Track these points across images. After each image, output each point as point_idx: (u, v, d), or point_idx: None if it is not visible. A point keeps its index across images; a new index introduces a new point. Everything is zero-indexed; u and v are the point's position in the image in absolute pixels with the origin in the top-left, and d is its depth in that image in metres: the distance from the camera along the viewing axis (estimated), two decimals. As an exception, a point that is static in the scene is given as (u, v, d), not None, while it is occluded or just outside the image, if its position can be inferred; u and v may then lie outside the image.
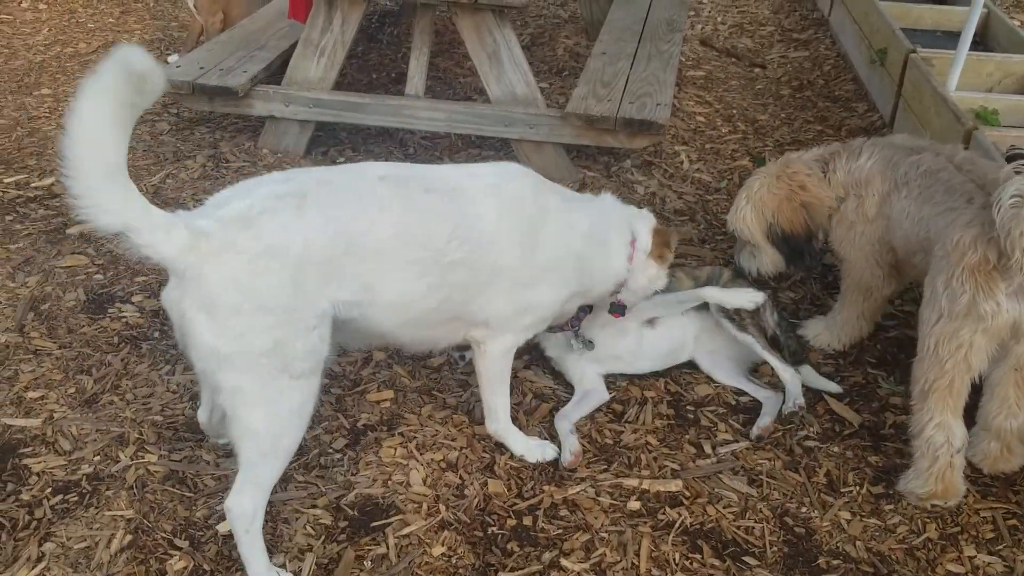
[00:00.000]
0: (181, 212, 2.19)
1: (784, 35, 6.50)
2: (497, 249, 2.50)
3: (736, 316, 3.09)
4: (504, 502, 2.65)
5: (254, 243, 2.16)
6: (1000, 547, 2.56)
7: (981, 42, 5.31)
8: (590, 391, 3.04)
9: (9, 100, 5.11)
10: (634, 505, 2.65)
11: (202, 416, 2.70)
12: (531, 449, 2.80)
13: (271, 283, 2.17)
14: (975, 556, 2.53)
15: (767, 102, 5.40)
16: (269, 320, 2.17)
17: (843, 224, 3.15)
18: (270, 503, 2.58)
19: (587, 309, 2.98)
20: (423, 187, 2.46)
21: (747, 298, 3.04)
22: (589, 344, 3.03)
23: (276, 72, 4.64)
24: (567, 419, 2.91)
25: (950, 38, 5.59)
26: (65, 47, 5.90)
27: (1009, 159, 3.66)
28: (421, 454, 2.80)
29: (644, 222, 2.87)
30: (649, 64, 4.64)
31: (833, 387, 3.11)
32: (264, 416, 2.23)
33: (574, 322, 2.97)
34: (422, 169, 2.57)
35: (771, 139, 4.96)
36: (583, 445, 2.84)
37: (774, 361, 3.05)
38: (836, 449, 2.87)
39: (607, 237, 2.77)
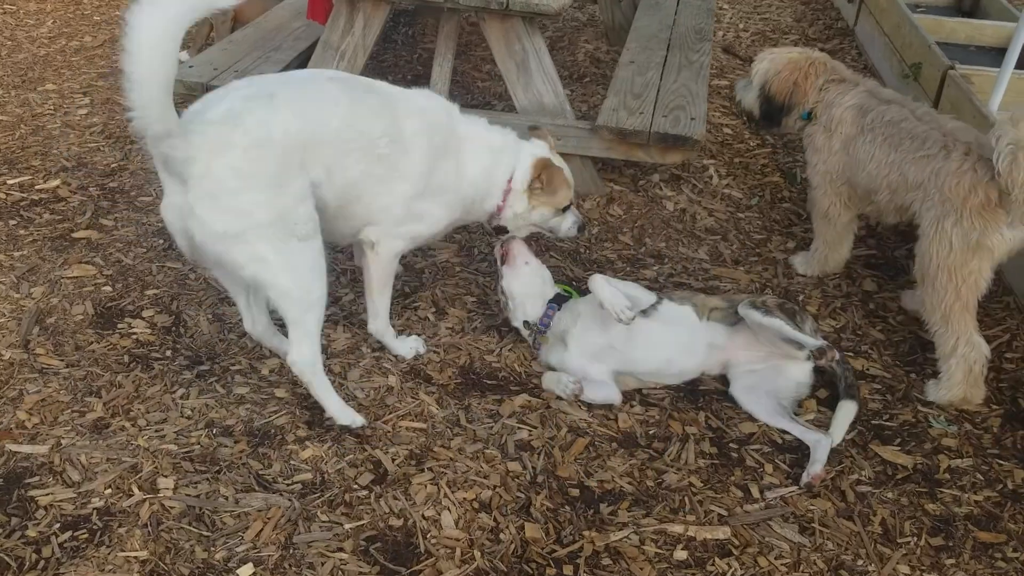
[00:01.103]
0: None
1: (808, 44, 6.32)
2: (409, 158, 2.90)
3: (761, 304, 2.99)
4: (542, 548, 2.49)
5: (244, 137, 2.54)
6: (1069, 607, 2.41)
7: (1018, 59, 5.16)
8: (597, 384, 3.01)
9: (12, 96, 4.92)
10: (681, 555, 2.49)
11: (247, 326, 3.06)
12: (408, 348, 3.19)
13: (265, 167, 2.57)
14: (1043, 617, 2.38)
15: (794, 115, 5.23)
16: (268, 195, 2.58)
17: (812, 147, 3.63)
18: (294, 546, 2.43)
19: (554, 305, 3.17)
20: (365, 88, 2.90)
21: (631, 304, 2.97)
22: (538, 329, 3.17)
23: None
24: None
25: (983, 53, 5.46)
26: (70, 40, 5.71)
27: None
28: (453, 492, 2.64)
29: (530, 154, 3.16)
30: (680, 74, 4.48)
31: (837, 437, 2.88)
32: (291, 277, 2.67)
33: (543, 320, 3.15)
34: (370, 82, 2.98)
35: (802, 154, 4.79)
36: (624, 485, 2.69)
37: (805, 339, 2.91)
38: (890, 495, 2.72)
39: (493, 172, 3.12)
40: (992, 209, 2.90)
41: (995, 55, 5.44)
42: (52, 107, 4.83)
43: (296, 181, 2.64)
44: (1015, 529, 2.62)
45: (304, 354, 2.76)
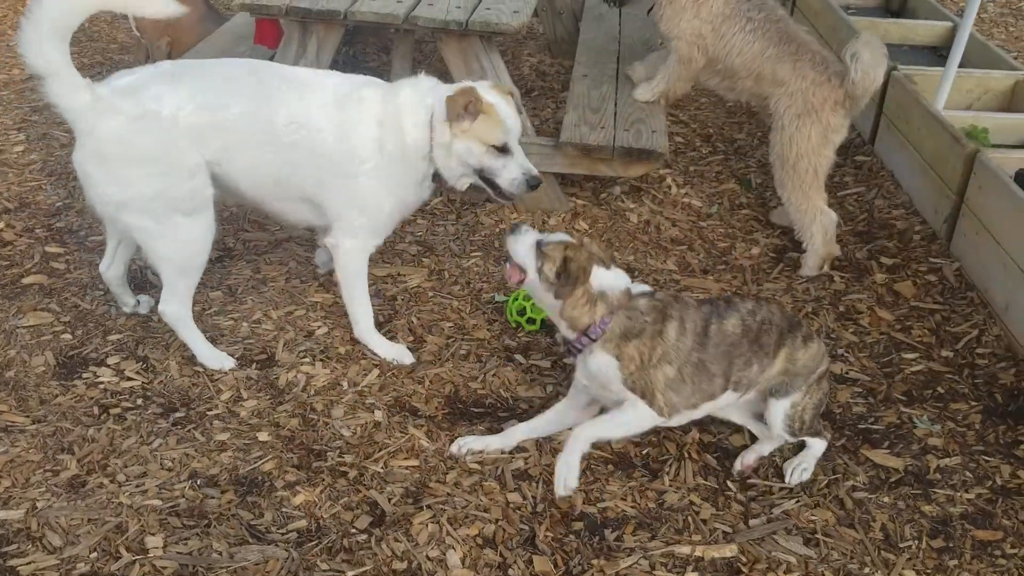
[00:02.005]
0: (88, 80, 2.74)
1: (747, 49, 6.42)
2: (321, 137, 2.94)
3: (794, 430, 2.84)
4: (553, 580, 2.45)
5: (134, 107, 2.74)
6: (1070, 600, 2.46)
7: (946, 57, 5.31)
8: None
9: (-59, 135, 4.68)
10: (692, 576, 2.48)
11: (103, 267, 3.27)
12: (391, 352, 3.20)
13: (146, 140, 2.76)
14: (1048, 611, 2.43)
15: (741, 120, 5.30)
16: (149, 169, 2.79)
17: (674, 6, 3.96)
18: (300, 599, 2.34)
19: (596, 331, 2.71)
20: (279, 79, 2.99)
21: None
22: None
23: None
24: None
25: (916, 53, 5.61)
26: (-3, 73, 5.47)
27: (1019, 181, 3.62)
28: (455, 529, 2.58)
29: (441, 93, 3.01)
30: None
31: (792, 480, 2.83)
32: (170, 246, 2.92)
33: (579, 343, 2.71)
34: (290, 69, 3.11)
35: (753, 159, 4.86)
36: (626, 508, 2.66)
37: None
38: (887, 499, 2.75)
39: (401, 122, 3.00)
40: (842, 106, 3.69)
41: (928, 54, 5.61)
42: (-15, 145, 4.61)
43: (184, 158, 2.82)
44: (1010, 525, 2.67)
45: (172, 307, 3.04)
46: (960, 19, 4.62)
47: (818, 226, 3.76)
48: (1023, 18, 7.40)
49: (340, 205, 3.06)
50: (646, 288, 2.78)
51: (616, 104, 4.30)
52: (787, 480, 2.80)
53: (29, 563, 2.42)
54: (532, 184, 3.09)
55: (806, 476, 2.81)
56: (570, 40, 5.71)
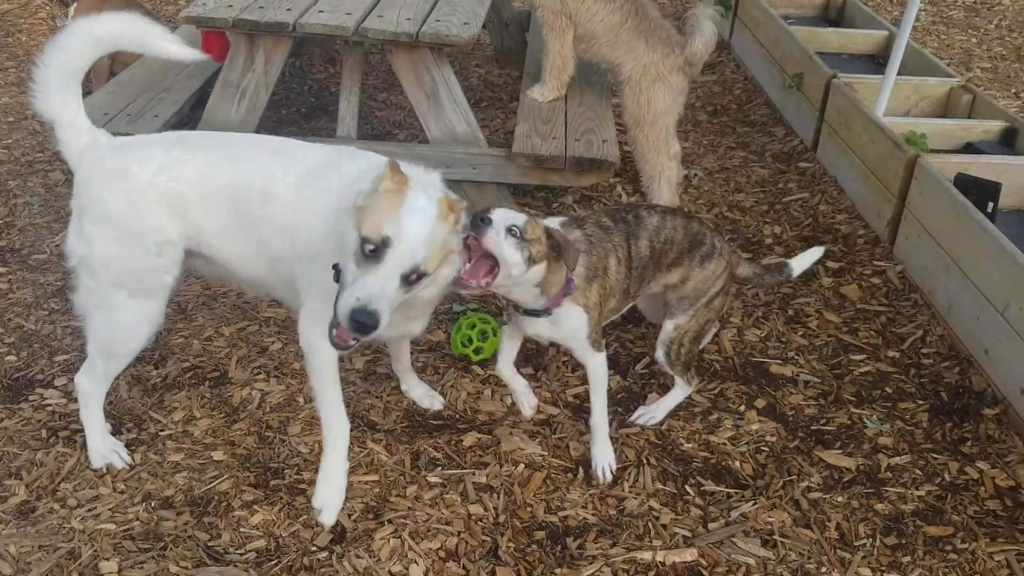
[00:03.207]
0: (100, 129, 2.59)
1: (690, 58, 6.52)
2: (279, 211, 2.48)
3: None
4: (517, 591, 2.45)
5: (115, 164, 2.50)
6: (1018, 591, 2.54)
7: (884, 64, 5.46)
8: None
9: None
10: (654, 581, 2.50)
11: None
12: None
13: (114, 200, 2.49)
14: (997, 603, 2.50)
15: (687, 129, 5.38)
16: (109, 233, 2.50)
17: None
18: (262, 620, 2.30)
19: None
20: (273, 150, 2.60)
21: None
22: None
23: (188, 114, 4.29)
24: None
25: (854, 61, 5.76)
26: (-72, 89, 5.31)
27: (957, 184, 3.72)
28: (417, 543, 2.56)
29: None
30: (584, 97, 4.53)
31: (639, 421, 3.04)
32: (104, 321, 2.61)
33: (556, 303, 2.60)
34: (306, 148, 2.62)
35: (699, 166, 4.93)
36: (587, 516, 2.68)
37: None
38: (841, 499, 2.80)
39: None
40: (682, 74, 4.25)
41: (866, 62, 5.75)
42: (-81, 163, 4.48)
43: (152, 231, 2.50)
44: (959, 520, 2.74)
45: (85, 382, 2.74)
46: (896, 28, 4.75)
47: (664, 180, 4.32)
48: (954, 26, 7.63)
49: (302, 284, 2.56)
50: (559, 220, 2.73)
51: (566, 114, 4.34)
52: (633, 418, 2.98)
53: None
54: (358, 323, 2.05)
55: (652, 422, 2.99)
56: (517, 51, 5.75)
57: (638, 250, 2.77)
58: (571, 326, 2.68)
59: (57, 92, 2.47)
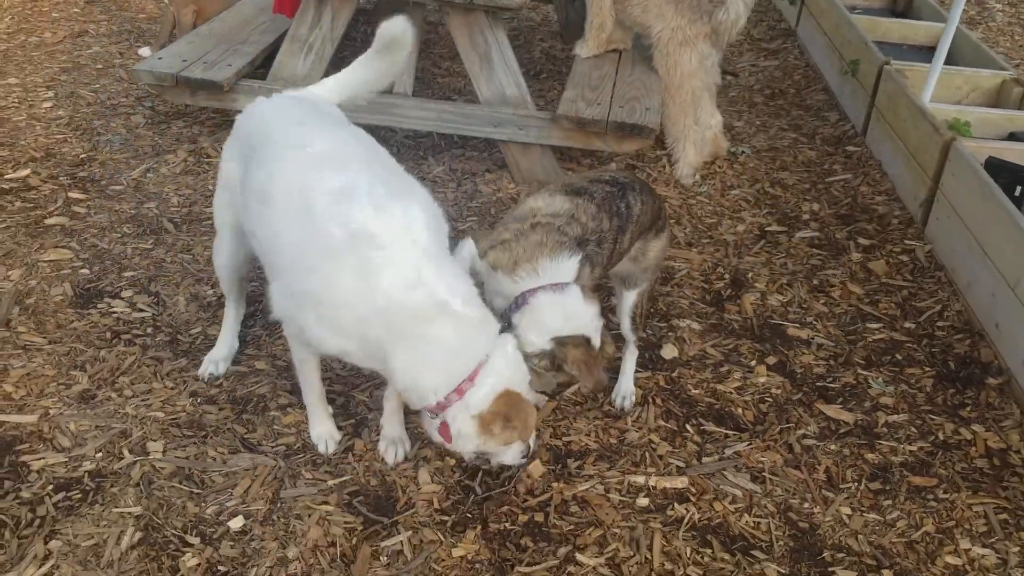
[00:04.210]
0: None
1: (753, 44, 6.62)
2: None
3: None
4: (516, 496, 2.66)
5: None
6: (993, 540, 2.65)
7: (946, 56, 5.48)
8: None
9: (-24, 89, 4.96)
10: (643, 502, 2.69)
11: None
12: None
13: None
14: (970, 549, 2.62)
15: (741, 109, 5.50)
16: None
17: None
18: (281, 500, 2.57)
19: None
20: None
21: None
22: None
23: (259, 67, 4.60)
24: None
25: (915, 52, 5.77)
26: (29, 36, 5.75)
27: (987, 167, 3.80)
28: (420, 450, 2.80)
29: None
30: (635, 69, 4.70)
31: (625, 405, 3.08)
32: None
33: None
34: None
35: (748, 144, 5.05)
36: (589, 443, 2.88)
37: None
38: (834, 447, 2.94)
39: None
40: (708, 41, 4.44)
41: (927, 53, 5.76)
42: (16, 100, 4.88)
43: None
44: (945, 474, 2.86)
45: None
46: (958, 21, 4.79)
47: (689, 142, 4.51)
48: (1031, 27, 7.53)
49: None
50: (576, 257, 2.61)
51: (614, 84, 4.52)
52: (616, 406, 3.04)
53: (40, 459, 2.67)
54: None
55: (631, 396, 3.06)
56: (580, 27, 5.91)
57: (621, 243, 2.80)
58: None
59: None
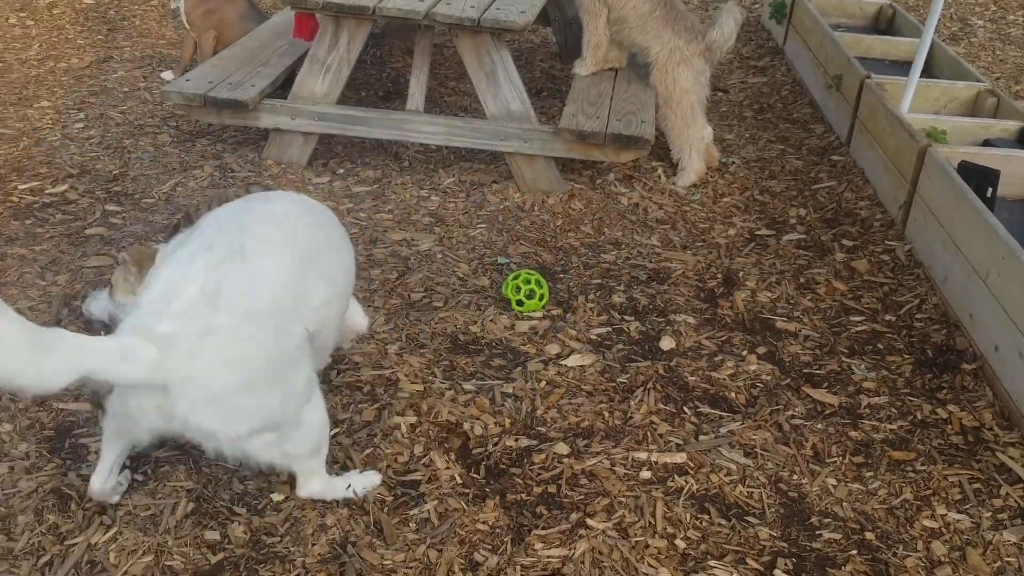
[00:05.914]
0: (127, 325, 2.30)
1: (743, 62, 6.95)
2: None
3: None
4: (527, 469, 2.93)
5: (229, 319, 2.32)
6: (968, 507, 2.92)
7: (925, 70, 5.80)
8: None
9: (11, 112, 5.26)
10: (646, 475, 2.95)
11: (97, 482, 2.62)
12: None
13: (257, 344, 2.37)
14: (946, 514, 2.88)
15: (732, 123, 5.81)
16: (270, 378, 2.40)
17: None
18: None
19: None
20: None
21: None
22: None
23: (280, 87, 4.90)
24: None
25: (897, 67, 6.09)
26: (58, 62, 6.06)
27: (960, 171, 4.09)
28: (433, 423, 3.07)
29: None
30: (630, 85, 5.01)
31: None
32: (314, 428, 2.61)
33: None
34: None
35: (738, 156, 5.35)
36: (597, 423, 3.15)
37: None
38: (820, 426, 3.22)
39: None
40: (703, 58, 4.83)
41: (907, 68, 6.07)
42: (50, 122, 5.19)
43: (291, 336, 2.57)
44: (923, 449, 3.13)
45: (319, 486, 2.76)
46: (935, 37, 5.12)
47: (695, 151, 4.88)
48: (1010, 43, 7.86)
49: None
50: None
51: (612, 100, 4.82)
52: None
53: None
54: None
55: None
56: (578, 47, 6.23)
57: None
58: None
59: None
